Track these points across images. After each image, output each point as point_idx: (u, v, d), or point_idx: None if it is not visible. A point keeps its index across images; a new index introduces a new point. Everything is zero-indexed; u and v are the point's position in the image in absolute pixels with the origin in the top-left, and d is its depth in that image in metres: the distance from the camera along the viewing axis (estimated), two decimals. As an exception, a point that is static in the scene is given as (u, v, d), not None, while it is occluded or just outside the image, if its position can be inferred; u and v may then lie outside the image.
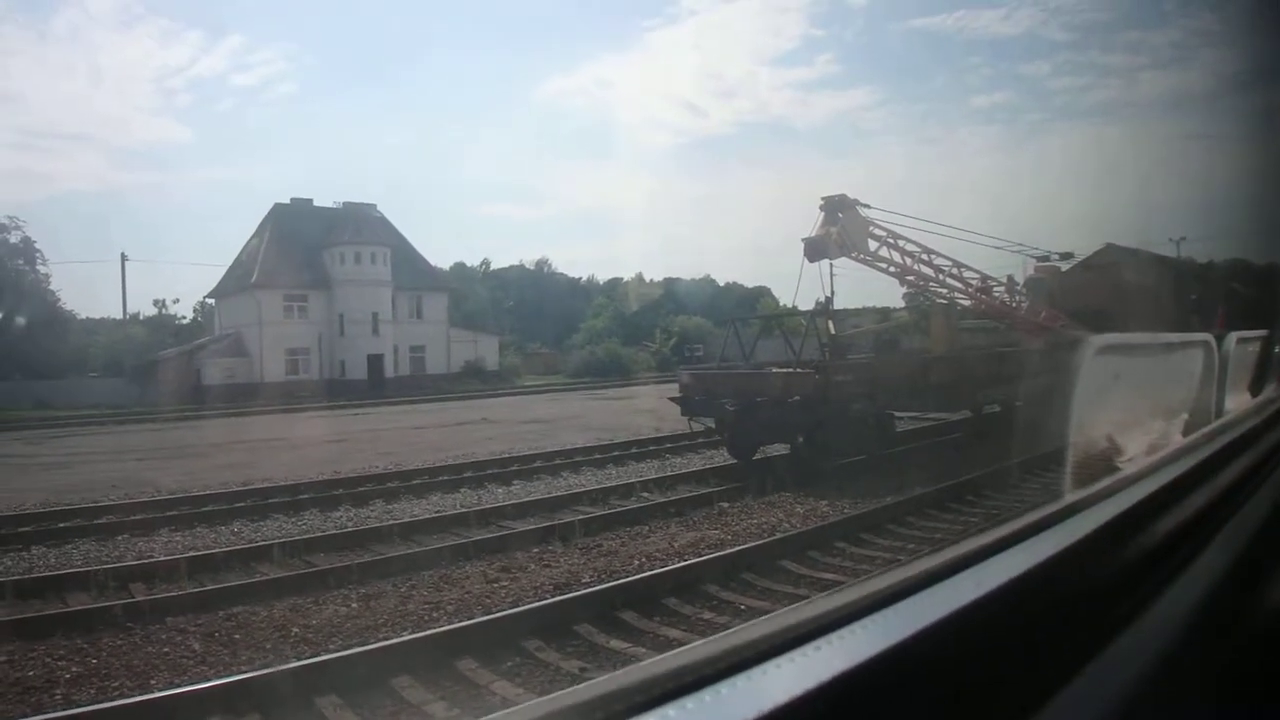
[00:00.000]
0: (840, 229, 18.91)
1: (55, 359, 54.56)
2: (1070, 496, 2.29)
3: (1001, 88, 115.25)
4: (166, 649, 8.51)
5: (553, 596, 9.62)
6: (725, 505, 14.48)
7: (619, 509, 14.30)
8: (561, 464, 19.37)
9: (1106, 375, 3.06)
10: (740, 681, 1.10)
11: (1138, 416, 3.32)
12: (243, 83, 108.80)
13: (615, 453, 20.70)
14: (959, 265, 21.08)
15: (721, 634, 1.57)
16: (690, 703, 1.03)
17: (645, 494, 15.80)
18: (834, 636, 1.25)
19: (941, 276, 20.97)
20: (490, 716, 1.07)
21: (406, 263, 64.83)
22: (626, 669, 1.31)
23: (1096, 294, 21.83)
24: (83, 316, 67.03)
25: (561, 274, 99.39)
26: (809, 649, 1.19)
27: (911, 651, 1.24)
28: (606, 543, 12.30)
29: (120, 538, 13.56)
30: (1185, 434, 3.36)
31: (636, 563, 11.18)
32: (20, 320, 53.67)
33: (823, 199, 19.24)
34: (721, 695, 1.06)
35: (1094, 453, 2.76)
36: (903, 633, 1.26)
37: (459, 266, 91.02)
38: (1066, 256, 23.98)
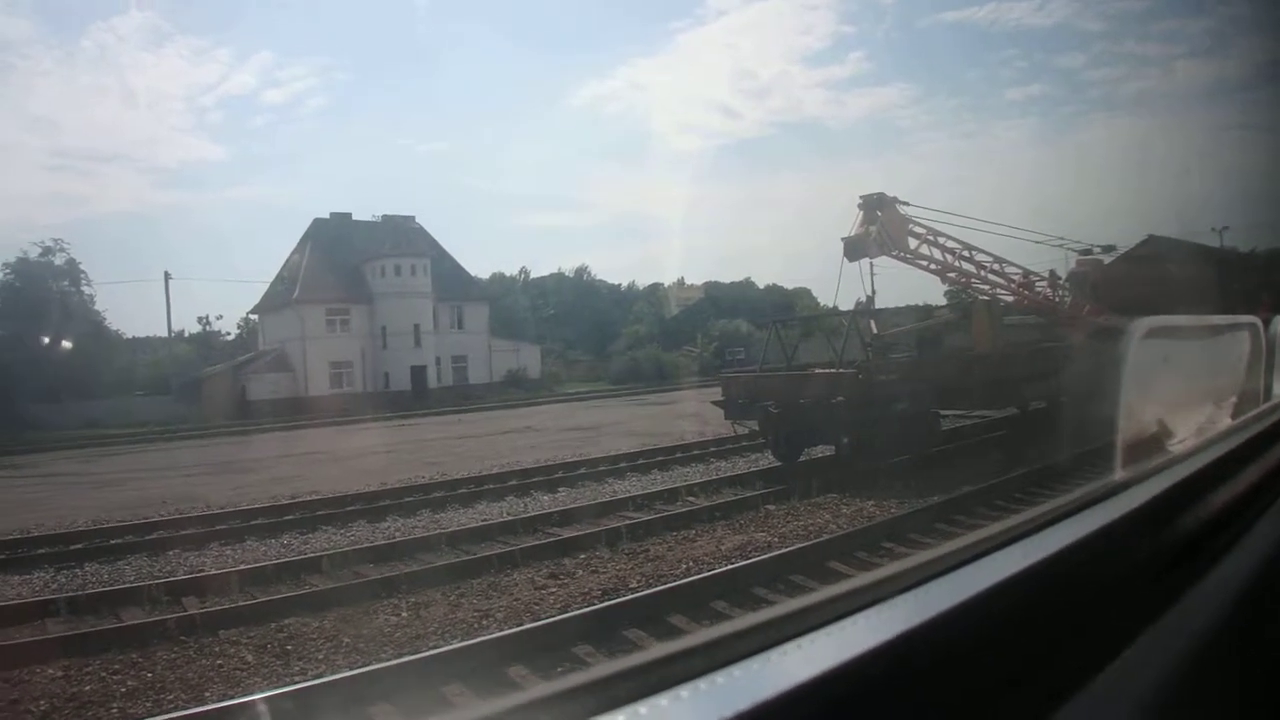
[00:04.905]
0: (879, 227, 18.79)
1: (102, 378, 55.27)
2: (1120, 474, 2.26)
3: (1036, 80, 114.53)
4: (220, 661, 8.59)
5: (601, 602, 9.61)
6: (771, 508, 14.40)
7: (665, 513, 14.24)
8: (606, 470, 19.37)
9: (1154, 358, 3.02)
10: (775, 656, 1.08)
11: (1186, 399, 3.28)
12: (274, 99, 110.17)
13: (659, 458, 20.65)
14: (1000, 260, 20.90)
15: (752, 613, 1.55)
16: (720, 677, 1.02)
17: (691, 498, 15.74)
18: (872, 612, 1.23)
19: (983, 272, 20.79)
20: (517, 697, 1.04)
21: (446, 274, 65.29)
22: (650, 649, 1.30)
23: (1140, 286, 21.52)
24: (129, 336, 68.04)
25: (601, 280, 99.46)
26: (834, 628, 1.17)
27: (954, 624, 1.22)
28: (653, 547, 12.27)
29: (171, 553, 13.71)
30: (1234, 417, 3.31)
31: (684, 567, 11.15)
32: (67, 341, 54.39)
33: (861, 197, 19.14)
34: (752, 670, 1.04)
35: (1144, 435, 2.72)
36: (942, 606, 1.24)
37: (498, 276, 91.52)
38: (1109, 249, 23.68)
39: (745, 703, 0.96)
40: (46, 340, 53.32)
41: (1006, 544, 1.59)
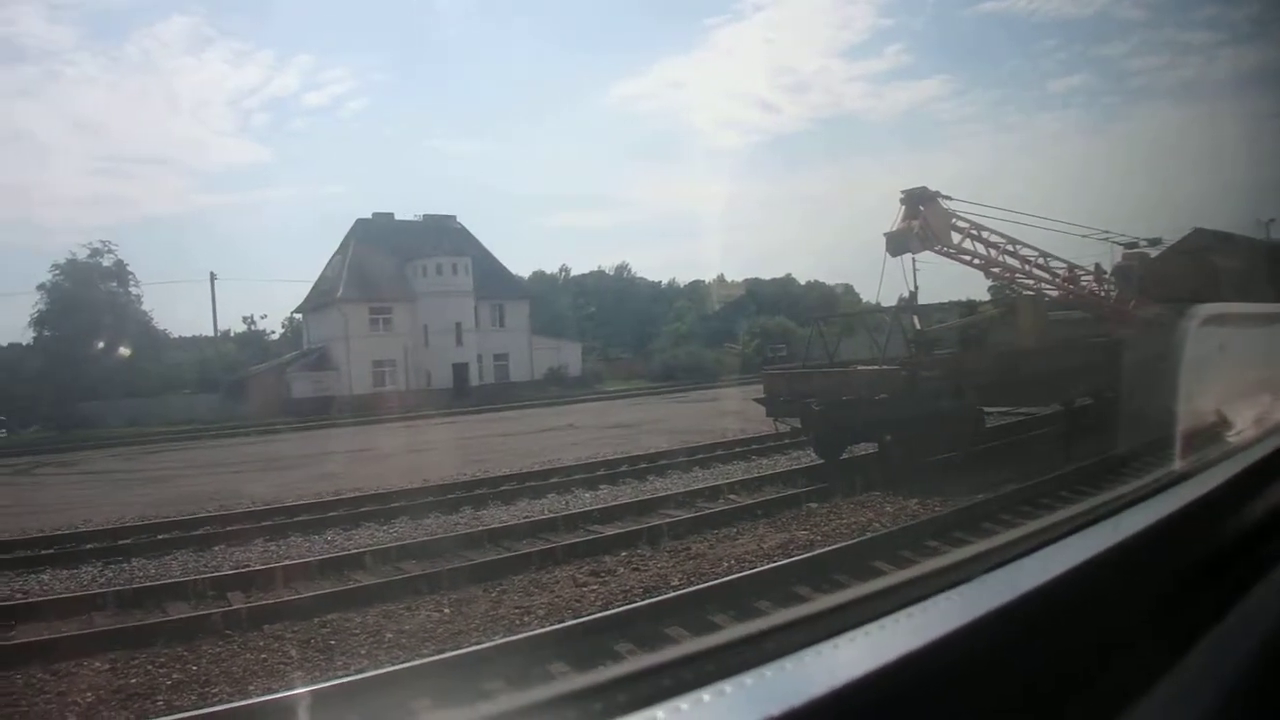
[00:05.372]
0: (922, 222, 18.62)
1: (150, 378, 55.94)
2: (1178, 465, 2.19)
3: (1078, 70, 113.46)
4: (264, 655, 8.67)
5: (643, 599, 9.59)
6: (814, 506, 14.31)
7: (706, 511, 14.19)
8: (647, 468, 19.35)
9: (1211, 346, 2.95)
10: (811, 656, 1.05)
11: (1244, 388, 3.19)
12: (315, 101, 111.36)
13: (700, 455, 20.58)
14: (1045, 255, 20.64)
15: (790, 609, 1.50)
16: (749, 679, 0.99)
17: (732, 496, 15.68)
18: (915, 609, 1.19)
19: (1028, 267, 20.54)
20: (548, 690, 1.01)
21: (488, 272, 65.54)
22: (688, 642, 1.26)
23: (1187, 279, 21.17)
24: (175, 336, 68.93)
25: (642, 278, 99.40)
26: (868, 628, 1.14)
27: (996, 626, 1.17)
28: (695, 545, 12.23)
29: (217, 548, 13.87)
30: None
31: (725, 565, 11.10)
32: (116, 341, 55.11)
33: (903, 192, 18.97)
34: (786, 670, 1.01)
35: (1201, 426, 2.64)
36: (984, 608, 1.20)
37: (539, 274, 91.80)
38: (1155, 242, 23.29)
39: (779, 705, 0.92)
40: (95, 340, 54.08)
41: (1055, 540, 1.54)
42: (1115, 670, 1.29)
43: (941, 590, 1.29)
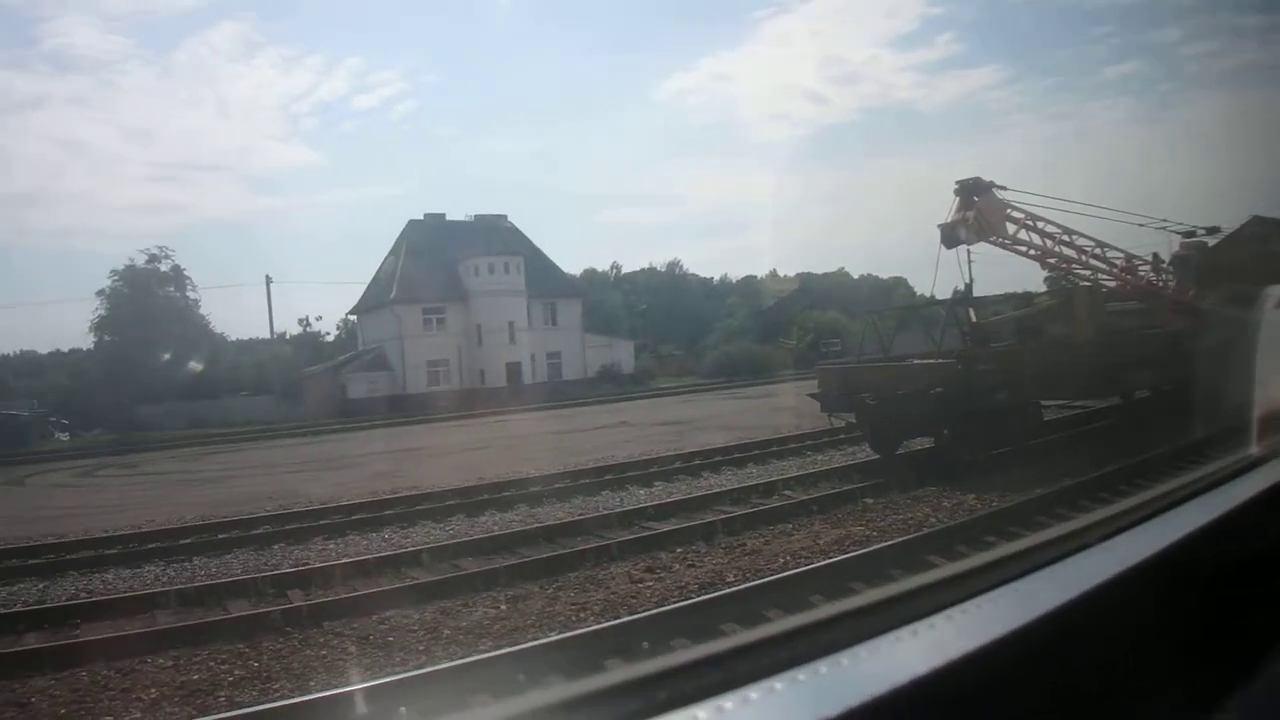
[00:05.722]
0: (976, 213, 18.38)
1: (208, 380, 56.74)
2: (1255, 450, 2.12)
3: (1131, 57, 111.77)
4: (324, 652, 8.76)
5: (698, 596, 9.56)
6: (870, 501, 14.18)
7: (761, 507, 14.12)
8: (701, 464, 19.32)
9: None
10: (864, 652, 1.02)
11: None
12: (365, 104, 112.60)
13: (755, 451, 20.52)
14: (1102, 245, 20.31)
15: (847, 600, 1.47)
16: (802, 674, 0.95)
17: (787, 492, 15.57)
18: (971, 605, 1.16)
19: (1084, 258, 20.21)
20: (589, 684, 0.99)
21: (539, 271, 65.82)
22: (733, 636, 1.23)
23: (1248, 268, 20.70)
24: (232, 339, 69.95)
25: (694, 275, 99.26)
26: (925, 623, 1.10)
27: (1059, 622, 1.14)
28: (750, 542, 12.17)
29: (276, 546, 14.06)
30: None
31: (781, 561, 11.04)
32: (175, 345, 55.95)
33: (957, 183, 18.73)
34: (843, 666, 0.98)
35: (1276, 410, 2.57)
36: (1050, 604, 1.16)
37: (590, 272, 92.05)
38: (1213, 231, 22.82)
39: (836, 704, 0.88)
40: (155, 344, 54.94)
41: (1121, 531, 1.49)
42: (1192, 671, 1.25)
43: (1003, 583, 1.26)
